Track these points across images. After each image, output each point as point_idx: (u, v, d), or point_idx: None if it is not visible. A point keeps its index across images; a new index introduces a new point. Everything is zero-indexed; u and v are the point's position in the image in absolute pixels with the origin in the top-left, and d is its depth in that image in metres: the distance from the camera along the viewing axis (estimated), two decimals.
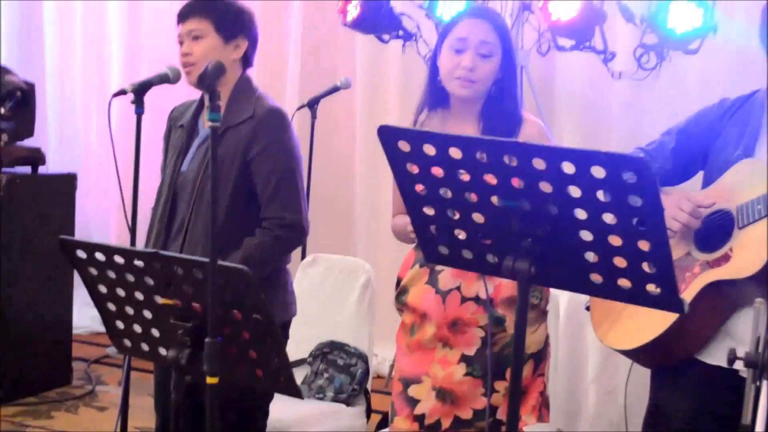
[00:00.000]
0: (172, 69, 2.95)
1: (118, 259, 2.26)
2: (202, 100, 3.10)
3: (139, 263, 2.24)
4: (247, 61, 3.11)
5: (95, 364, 5.94)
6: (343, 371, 4.10)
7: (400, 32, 5.07)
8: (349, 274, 4.23)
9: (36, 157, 5.46)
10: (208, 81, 1.97)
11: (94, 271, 2.33)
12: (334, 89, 4.47)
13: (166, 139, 3.22)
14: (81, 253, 2.31)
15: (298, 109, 4.49)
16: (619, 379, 4.35)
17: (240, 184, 2.97)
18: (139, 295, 2.30)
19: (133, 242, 2.93)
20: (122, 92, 2.86)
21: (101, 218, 6.88)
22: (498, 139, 1.88)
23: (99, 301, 2.38)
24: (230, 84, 3.06)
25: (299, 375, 4.19)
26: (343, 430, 3.99)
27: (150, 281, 2.26)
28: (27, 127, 5.47)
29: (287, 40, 6.14)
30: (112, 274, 2.30)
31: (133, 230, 2.89)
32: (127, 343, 2.42)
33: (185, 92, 3.13)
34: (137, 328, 2.37)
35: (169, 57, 3.15)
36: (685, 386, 2.60)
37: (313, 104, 4.44)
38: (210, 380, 2.09)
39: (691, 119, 2.80)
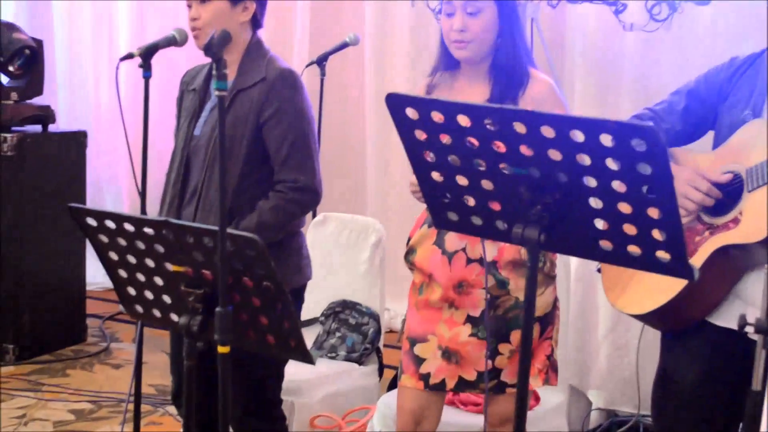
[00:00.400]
0: (179, 31, 2.94)
1: (128, 227, 2.26)
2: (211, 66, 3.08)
3: (149, 231, 2.24)
4: (256, 22, 3.09)
5: (109, 320, 5.99)
6: (355, 330, 4.12)
7: None
8: (360, 233, 4.24)
9: (46, 115, 5.46)
10: (214, 50, 1.95)
11: (104, 239, 2.33)
12: (343, 45, 4.44)
13: (178, 104, 3.21)
14: (91, 221, 2.31)
15: (307, 66, 4.47)
16: (630, 335, 4.37)
17: (253, 147, 2.97)
18: (150, 262, 2.30)
19: (143, 207, 2.93)
20: (129, 56, 2.85)
21: (113, 175, 6.89)
22: (506, 107, 1.87)
23: (110, 267, 2.39)
24: (241, 47, 3.04)
25: (312, 334, 4.22)
26: (356, 388, 4.03)
27: (160, 248, 2.26)
28: (36, 86, 5.48)
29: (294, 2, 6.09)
30: (122, 242, 2.30)
31: (143, 195, 2.89)
32: (139, 309, 2.43)
33: (198, 54, 3.11)
34: (149, 295, 2.38)
35: (179, 10, 3.12)
36: (694, 351, 2.60)
37: (321, 61, 4.41)
38: (221, 349, 2.10)
39: (701, 79, 2.77)
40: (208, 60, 3.06)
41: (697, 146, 2.80)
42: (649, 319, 2.68)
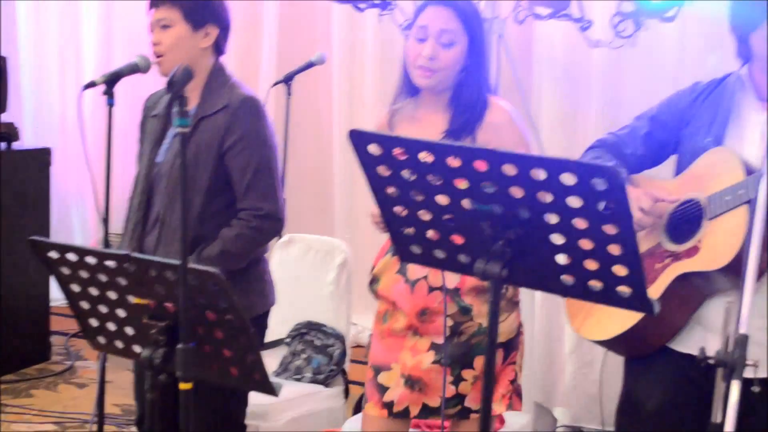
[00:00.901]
0: (142, 58, 2.92)
1: (90, 260, 2.25)
2: None
3: (111, 264, 2.23)
4: (219, 48, 3.08)
5: (74, 337, 5.94)
6: (320, 352, 4.12)
7: (377, 0, 5.02)
8: (326, 254, 4.23)
9: (9, 133, 5.42)
10: (176, 87, 1.94)
11: (66, 271, 2.32)
12: (309, 65, 4.42)
13: (141, 128, 3.20)
14: (53, 254, 2.30)
15: (274, 85, 4.45)
16: (595, 352, 4.39)
17: (216, 174, 2.96)
18: (113, 295, 2.30)
19: (106, 234, 2.91)
20: (92, 84, 2.83)
21: (80, 191, 6.83)
22: (468, 146, 1.88)
23: (72, 299, 2.37)
24: (203, 73, 3.03)
25: (277, 355, 4.21)
26: (322, 411, 4.02)
27: (123, 281, 2.25)
28: (0, 102, 5.43)
29: (262, 13, 6.07)
30: (84, 274, 2.29)
31: (105, 221, 2.87)
32: (101, 340, 2.42)
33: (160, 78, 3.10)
34: (111, 326, 2.37)
35: (144, 29, 3.10)
36: (656, 376, 2.62)
37: (288, 80, 4.40)
38: (183, 386, 2.09)
39: (664, 104, 2.79)
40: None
41: (659, 171, 2.83)
42: (611, 345, 2.70)
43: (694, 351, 2.52)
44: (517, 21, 4.75)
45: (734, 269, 2.34)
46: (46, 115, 6.88)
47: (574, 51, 4.93)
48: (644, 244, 2.64)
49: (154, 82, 3.09)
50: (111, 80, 2.79)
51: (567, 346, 4.54)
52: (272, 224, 3.01)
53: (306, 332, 4.19)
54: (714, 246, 2.46)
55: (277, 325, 4.00)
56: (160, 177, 3.01)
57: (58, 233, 6.40)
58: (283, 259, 4.31)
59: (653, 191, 2.60)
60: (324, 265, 4.23)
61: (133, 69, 2.89)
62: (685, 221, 2.57)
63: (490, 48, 2.99)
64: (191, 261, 2.87)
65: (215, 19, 3.05)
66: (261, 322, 3.11)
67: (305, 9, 5.98)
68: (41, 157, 5.53)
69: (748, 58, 2.59)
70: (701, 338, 2.53)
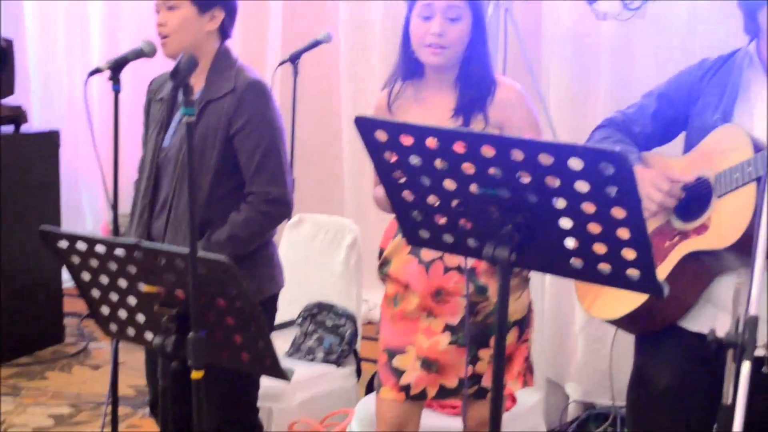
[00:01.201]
0: (147, 43, 2.92)
1: (100, 249, 2.26)
2: None
3: (120, 252, 2.24)
4: (224, 32, 3.07)
5: (87, 318, 5.97)
6: (332, 332, 4.13)
7: None
8: (336, 234, 4.24)
9: (18, 116, 5.42)
10: (181, 76, 1.93)
11: (76, 260, 2.33)
12: (316, 43, 4.41)
13: (146, 112, 3.20)
14: (62, 243, 2.30)
15: (280, 64, 4.44)
16: (606, 327, 4.36)
17: (223, 158, 2.96)
18: (123, 283, 2.30)
19: (115, 221, 2.92)
20: (98, 70, 2.82)
21: (89, 172, 6.84)
22: (475, 132, 1.87)
23: (83, 288, 2.38)
24: (209, 56, 3.03)
25: (288, 336, 4.22)
26: (334, 391, 4.03)
27: (133, 269, 2.26)
28: (7, 86, 5.43)
29: None
30: (94, 263, 2.30)
31: (114, 206, 2.87)
32: (113, 327, 2.43)
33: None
34: (122, 314, 2.38)
35: (150, 10, 3.09)
36: (667, 354, 2.62)
37: (294, 59, 4.38)
38: (195, 374, 2.09)
39: (672, 81, 2.77)
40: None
41: (669, 148, 2.82)
42: (621, 323, 2.70)
43: (704, 329, 2.51)
44: None
45: (743, 247, 2.33)
46: (54, 98, 6.87)
47: (582, 24, 4.89)
48: (653, 222, 2.63)
49: (161, 63, 3.09)
50: (116, 66, 2.79)
51: (578, 322, 4.54)
52: (281, 208, 3.01)
53: (317, 312, 4.20)
54: (723, 224, 2.45)
55: (288, 306, 4.02)
56: (167, 161, 3.01)
57: (68, 215, 6.41)
58: (292, 240, 4.31)
59: (667, 171, 2.59)
60: (333, 245, 4.23)
61: (138, 54, 2.88)
62: (694, 199, 2.56)
63: (489, 26, 2.95)
64: (200, 246, 2.89)
65: (221, 3, 3.03)
66: (270, 305, 3.11)
67: None
68: (50, 140, 5.53)
69: (756, 34, 2.57)
70: (712, 316, 2.53)
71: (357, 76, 5.85)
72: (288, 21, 6.00)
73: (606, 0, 4.56)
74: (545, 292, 4.32)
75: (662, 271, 2.54)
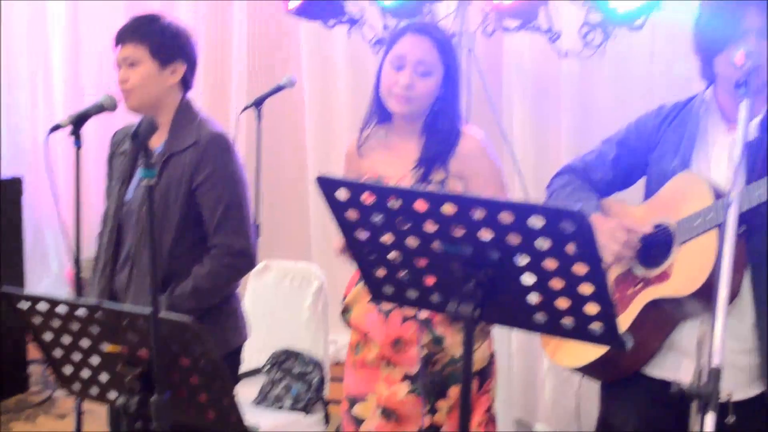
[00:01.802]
0: (108, 97, 2.90)
1: (62, 310, 2.24)
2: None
3: (82, 313, 2.22)
4: (186, 84, 3.07)
5: None
6: (299, 379, 4.10)
7: (345, 17, 5.02)
8: (302, 280, 4.22)
9: None
10: (141, 139, 1.93)
11: (38, 320, 2.31)
12: (279, 88, 4.40)
13: (109, 164, 3.19)
14: (23, 304, 2.28)
15: (243, 110, 4.42)
16: None
17: (186, 211, 2.95)
18: (86, 343, 2.29)
19: (78, 277, 2.89)
20: (59, 126, 2.81)
21: (54, 216, 6.78)
22: (436, 192, 1.88)
23: (45, 347, 2.36)
24: (171, 109, 3.02)
25: (256, 384, 4.19)
26: None
27: (95, 329, 2.24)
28: None
29: (231, 33, 6.06)
30: (56, 323, 2.29)
31: (77, 265, 2.85)
32: (76, 387, 2.41)
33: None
34: (85, 373, 2.36)
35: (111, 44, 3.09)
36: (632, 401, 2.62)
37: (258, 104, 4.37)
38: None
39: (631, 127, 2.79)
40: (140, 118, 3.08)
41: (629, 192, 2.84)
42: (586, 371, 2.70)
43: (668, 376, 2.54)
44: (486, 34, 4.76)
45: (705, 294, 2.34)
46: (15, 142, 6.82)
47: (544, 62, 4.94)
48: (615, 270, 2.64)
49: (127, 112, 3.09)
50: (77, 122, 2.77)
51: (546, 361, 4.55)
52: (244, 261, 3.00)
53: (284, 360, 4.18)
54: (685, 271, 2.46)
55: (255, 353, 3.99)
56: (129, 215, 3.00)
57: (33, 259, 6.37)
58: (258, 286, 4.29)
59: (626, 221, 2.61)
60: (300, 291, 4.21)
61: (99, 109, 2.86)
62: (656, 246, 2.57)
63: (462, 74, 2.98)
64: (163, 299, 2.87)
65: (183, 56, 3.04)
66: (235, 356, 3.10)
67: (274, 28, 5.97)
68: (13, 187, 5.48)
69: (713, 79, 2.60)
70: (676, 363, 2.54)
71: (322, 115, 5.86)
72: (251, 60, 6.01)
73: (567, 38, 4.61)
74: (513, 332, 4.32)
75: (626, 318, 2.56)
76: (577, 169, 2.81)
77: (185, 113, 3.03)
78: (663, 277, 2.52)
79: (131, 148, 3.05)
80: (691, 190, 2.50)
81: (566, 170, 2.84)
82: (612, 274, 2.65)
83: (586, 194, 2.74)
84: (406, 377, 2.86)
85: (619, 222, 2.59)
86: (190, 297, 2.92)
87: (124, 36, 3.01)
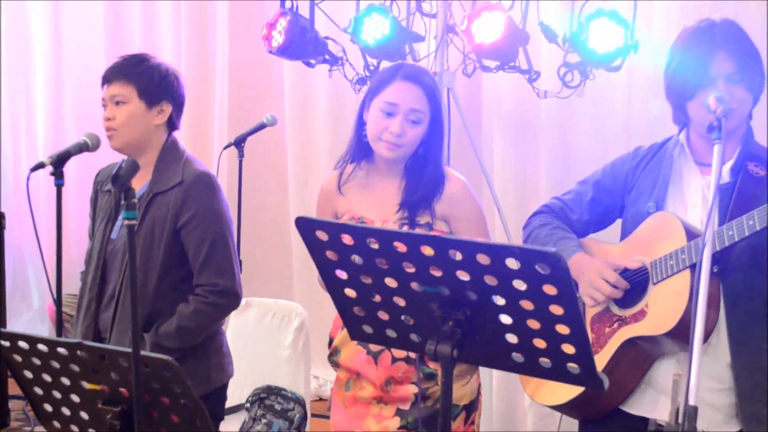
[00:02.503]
0: (90, 136, 2.91)
1: (42, 348, 2.25)
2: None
3: (63, 351, 2.23)
4: (172, 124, 3.10)
5: None
6: (281, 416, 4.11)
7: (327, 56, 5.06)
8: (283, 317, 4.24)
9: None
10: (122, 180, 1.95)
11: (18, 358, 2.31)
12: (261, 126, 4.44)
13: (93, 203, 3.20)
14: (3, 342, 2.29)
15: (225, 147, 4.46)
16: None
17: (171, 251, 2.98)
18: (66, 381, 2.29)
19: (59, 316, 2.89)
20: (41, 165, 2.82)
21: (35, 253, 6.78)
22: (414, 233, 1.91)
23: (25, 385, 2.36)
24: (156, 149, 3.05)
25: (238, 421, 4.19)
26: None
27: (76, 368, 2.25)
28: None
29: (214, 71, 6.10)
30: (36, 361, 2.29)
31: (58, 303, 2.85)
32: (56, 425, 2.40)
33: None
34: (66, 411, 2.35)
35: (93, 82, 3.11)
36: None
37: (239, 142, 4.41)
38: None
39: (607, 169, 2.84)
40: (123, 157, 3.10)
41: (604, 234, 2.88)
42: (564, 409, 2.73)
43: (647, 413, 2.57)
44: (466, 73, 4.81)
45: (681, 333, 2.38)
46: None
47: (524, 101, 5.01)
48: (593, 309, 2.68)
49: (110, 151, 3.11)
50: (59, 161, 2.78)
51: (527, 397, 4.55)
52: (229, 300, 3.02)
53: (265, 397, 4.19)
54: (660, 310, 2.50)
55: (237, 390, 4.00)
56: (114, 254, 3.01)
57: (14, 295, 6.36)
58: (240, 324, 4.30)
59: (610, 260, 2.64)
60: (281, 329, 4.23)
61: (82, 148, 2.87)
62: (632, 286, 2.61)
63: (445, 122, 3.01)
64: (148, 338, 2.89)
65: (170, 97, 3.07)
66: (220, 394, 3.11)
67: (257, 65, 6.01)
68: None
69: (686, 124, 2.66)
70: (653, 400, 2.56)
71: (303, 152, 5.89)
72: (233, 97, 6.03)
73: (546, 78, 4.67)
74: (494, 370, 4.34)
75: (603, 357, 2.58)
76: (554, 209, 2.85)
77: (171, 153, 3.06)
78: (639, 316, 2.55)
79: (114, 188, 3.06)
80: (667, 231, 2.54)
81: (544, 210, 2.87)
82: (589, 314, 2.68)
83: (565, 234, 2.78)
84: (398, 412, 2.87)
85: (605, 261, 2.63)
86: (174, 336, 2.93)
87: (111, 75, 3.03)
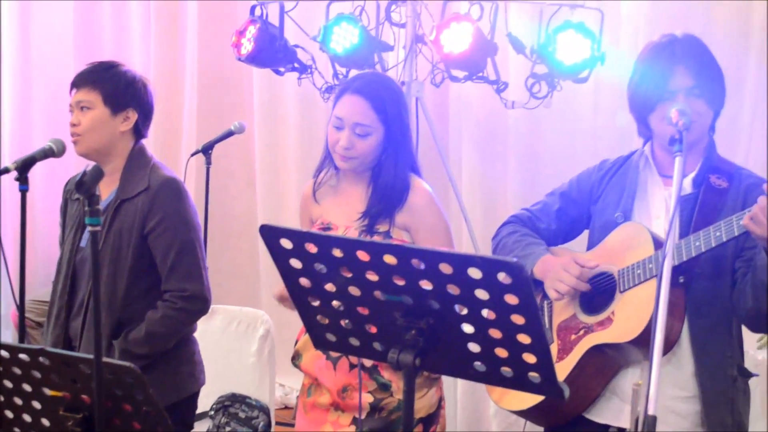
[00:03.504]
0: (56, 142, 2.90)
1: (4, 354, 2.23)
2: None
3: (25, 357, 2.21)
4: (139, 131, 3.10)
5: None
6: (245, 424, 4.10)
7: (296, 64, 5.06)
8: (248, 325, 4.23)
9: None
10: (86, 186, 1.95)
11: None
12: (229, 134, 4.43)
13: (62, 212, 3.20)
14: None
15: (193, 155, 4.45)
16: None
17: (139, 256, 2.98)
18: (27, 387, 2.28)
19: (21, 322, 2.88)
20: (5, 170, 2.81)
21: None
22: (377, 242, 1.92)
23: None
24: (122, 155, 3.05)
25: (201, 429, 4.18)
26: None
27: (37, 374, 2.24)
28: None
29: (184, 79, 6.08)
30: None
31: (21, 309, 2.83)
32: (18, 431, 2.39)
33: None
34: (27, 418, 2.34)
35: (61, 88, 3.10)
36: None
37: (207, 150, 4.39)
38: None
39: (573, 181, 2.88)
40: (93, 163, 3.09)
41: (574, 245, 2.91)
42: (528, 415, 2.75)
43: (610, 421, 2.59)
44: (434, 83, 4.83)
45: (644, 341, 2.40)
46: None
47: (491, 112, 5.03)
48: (560, 316, 2.70)
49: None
50: (24, 166, 2.76)
51: (492, 406, 4.58)
52: (198, 305, 3.03)
53: (230, 404, 4.17)
54: (625, 318, 2.52)
55: (202, 398, 3.95)
56: (83, 262, 3.01)
57: None
58: (205, 331, 4.25)
59: (575, 256, 2.68)
60: (246, 336, 4.22)
61: (47, 153, 2.86)
62: (599, 293, 2.63)
63: (410, 130, 3.02)
64: (117, 345, 2.88)
65: (135, 104, 3.07)
66: (191, 403, 3.12)
67: (226, 72, 6.00)
68: None
69: (649, 137, 2.69)
70: (617, 409, 2.59)
71: (271, 160, 5.88)
72: (202, 105, 6.01)
73: (514, 89, 4.70)
74: (458, 378, 4.35)
75: (568, 364, 2.61)
76: (522, 218, 2.89)
77: (138, 159, 3.06)
78: (605, 323, 2.58)
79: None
80: (635, 240, 2.57)
81: (512, 220, 2.91)
82: (556, 320, 2.71)
83: (534, 239, 2.81)
84: (353, 422, 2.88)
85: (571, 257, 2.67)
86: (143, 342, 2.94)
87: (79, 81, 3.04)
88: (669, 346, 2.49)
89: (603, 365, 2.60)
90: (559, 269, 2.65)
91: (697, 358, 2.53)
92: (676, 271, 2.43)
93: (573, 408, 2.64)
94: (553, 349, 2.67)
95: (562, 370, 2.60)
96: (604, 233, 2.70)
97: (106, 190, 3.04)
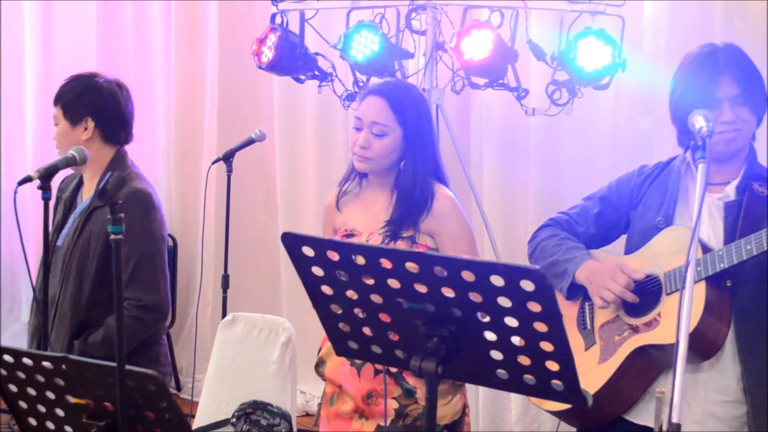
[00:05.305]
0: (78, 150, 2.93)
1: (27, 361, 2.25)
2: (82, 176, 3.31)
3: (48, 365, 2.23)
4: (110, 138, 3.19)
5: None
6: (267, 431, 4.09)
7: (316, 72, 5.07)
8: (270, 332, 4.21)
9: None
10: (108, 194, 1.97)
11: (3, 372, 2.31)
12: (250, 142, 4.44)
13: (54, 210, 3.31)
14: None
15: (213, 163, 4.46)
16: (541, 420, 4.42)
17: (104, 263, 3.12)
18: (51, 395, 2.29)
19: (44, 327, 2.92)
20: (28, 179, 2.83)
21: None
22: (399, 249, 1.92)
23: (10, 399, 2.36)
24: (99, 162, 3.21)
25: None
26: None
27: (60, 382, 2.25)
28: None
29: (204, 86, 6.09)
30: (21, 375, 2.29)
31: (44, 315, 2.87)
32: None
33: None
34: (50, 426, 2.35)
35: None
36: None
37: (228, 158, 4.40)
38: None
39: (612, 186, 2.90)
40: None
41: (612, 249, 2.91)
42: (566, 415, 2.75)
43: (650, 423, 2.58)
44: (455, 90, 4.83)
45: (692, 344, 2.38)
46: None
47: (512, 119, 5.02)
48: (603, 316, 2.70)
49: None
50: (46, 175, 2.79)
51: (514, 414, 4.57)
52: (152, 315, 3.19)
53: (251, 412, 4.16)
54: (672, 320, 2.50)
55: (223, 405, 3.98)
56: (57, 260, 3.17)
57: (4, 308, 6.34)
58: (226, 338, 4.27)
59: (621, 263, 2.69)
60: (268, 344, 4.20)
61: (69, 162, 2.90)
62: (644, 295, 2.64)
63: (434, 137, 3.03)
64: (77, 345, 3.09)
65: (90, 113, 3.21)
66: None
67: (246, 81, 6.01)
68: None
69: (689, 146, 2.70)
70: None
71: (292, 168, 5.88)
72: (223, 112, 6.02)
73: (534, 96, 4.69)
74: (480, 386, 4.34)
75: (612, 365, 2.62)
76: (560, 222, 2.90)
77: (115, 167, 3.20)
78: (651, 324, 2.59)
79: (70, 193, 3.27)
80: (681, 244, 2.57)
81: (550, 223, 2.93)
82: (599, 320, 2.71)
83: (574, 243, 2.82)
84: (378, 429, 2.88)
85: (617, 264, 2.68)
86: (100, 346, 3.11)
87: (55, 98, 3.27)
88: (715, 350, 2.53)
89: (646, 367, 2.62)
90: (606, 277, 2.66)
91: (743, 362, 2.54)
92: (723, 275, 2.49)
93: (613, 409, 2.67)
94: (595, 350, 2.68)
95: (605, 371, 2.62)
96: (644, 238, 2.72)
97: (87, 195, 3.24)
